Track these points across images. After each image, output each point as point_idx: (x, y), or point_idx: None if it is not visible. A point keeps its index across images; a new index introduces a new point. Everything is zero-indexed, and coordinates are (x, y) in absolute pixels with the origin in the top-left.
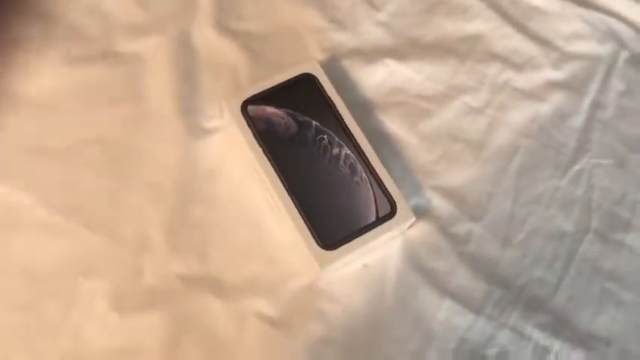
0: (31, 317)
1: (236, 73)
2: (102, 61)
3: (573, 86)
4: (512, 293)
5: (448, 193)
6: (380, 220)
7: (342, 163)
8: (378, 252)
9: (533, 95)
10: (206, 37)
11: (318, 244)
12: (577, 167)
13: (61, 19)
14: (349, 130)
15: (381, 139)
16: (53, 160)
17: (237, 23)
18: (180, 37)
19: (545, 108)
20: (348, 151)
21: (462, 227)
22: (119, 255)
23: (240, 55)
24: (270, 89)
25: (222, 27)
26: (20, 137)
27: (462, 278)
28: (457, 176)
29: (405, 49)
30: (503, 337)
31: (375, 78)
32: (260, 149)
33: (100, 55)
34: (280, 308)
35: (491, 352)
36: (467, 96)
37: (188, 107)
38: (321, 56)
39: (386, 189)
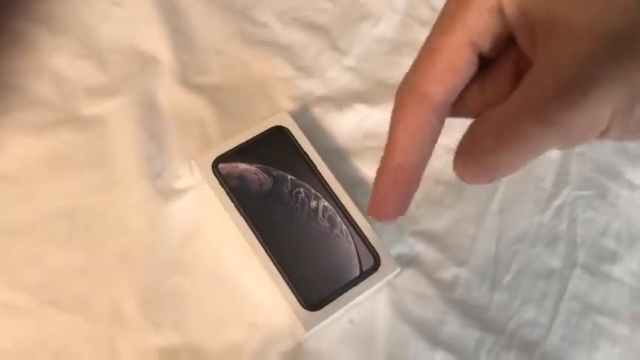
0: None
1: (204, 128)
2: (64, 128)
3: None
4: (504, 338)
5: (431, 237)
6: (364, 275)
7: (320, 216)
8: (364, 305)
9: None
10: (170, 94)
11: (302, 305)
12: (558, 201)
13: (18, 88)
14: (325, 182)
15: (359, 187)
16: (16, 235)
17: (201, 78)
18: (143, 96)
19: None
20: (326, 203)
21: (448, 272)
22: (92, 332)
23: (207, 109)
24: (241, 145)
25: (187, 82)
26: None
27: (453, 326)
28: (439, 220)
29: (376, 92)
30: None
31: (347, 124)
32: (235, 208)
33: (61, 121)
34: None
35: None
36: (441, 138)
37: (157, 168)
38: (290, 106)
39: (368, 240)
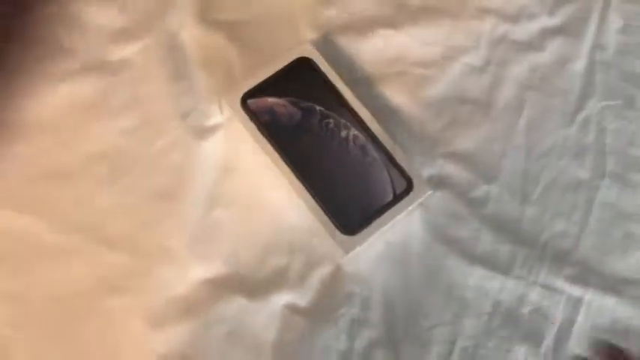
0: (67, 343)
1: (229, 65)
2: (91, 74)
3: (571, 30)
4: (537, 250)
5: (460, 158)
6: (397, 198)
7: (351, 144)
8: (399, 227)
9: (531, 45)
10: (192, 33)
11: (340, 231)
12: (585, 113)
13: (42, 37)
14: (354, 110)
15: (386, 113)
16: (61, 181)
17: (221, 14)
18: (166, 36)
19: (545, 56)
20: (356, 132)
21: (479, 190)
22: (142, 269)
23: (229, 46)
24: (267, 79)
25: (207, 20)
26: (24, 163)
27: (487, 242)
28: (467, 140)
29: (396, 16)
30: (535, 295)
31: (370, 50)
32: (267, 142)
33: (88, 67)
34: (310, 297)
35: (526, 310)
36: (466, 56)
37: (186, 108)
38: (312, 35)
39: (399, 165)
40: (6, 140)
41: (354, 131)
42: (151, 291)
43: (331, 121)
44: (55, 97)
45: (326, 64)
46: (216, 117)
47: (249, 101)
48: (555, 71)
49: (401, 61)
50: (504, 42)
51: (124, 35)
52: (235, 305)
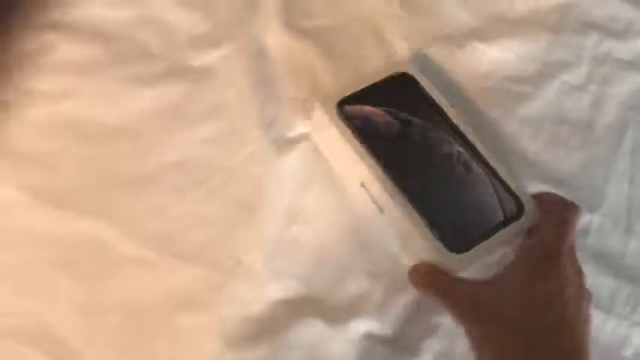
0: (138, 357)
1: (314, 74)
2: (173, 79)
3: None
4: None
5: (559, 182)
6: (506, 222)
7: (455, 161)
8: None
9: (637, 64)
10: (277, 40)
11: (448, 249)
12: None
13: (124, 38)
14: (456, 126)
15: (485, 130)
16: (137, 189)
17: (307, 21)
18: (250, 43)
19: None
20: (460, 148)
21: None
22: (216, 284)
23: (315, 54)
24: (364, 88)
25: (292, 27)
26: (100, 168)
27: (586, 275)
28: (567, 163)
29: (491, 29)
30: (639, 337)
31: (462, 64)
32: (365, 152)
33: (169, 72)
34: (393, 326)
35: (628, 353)
36: (566, 73)
37: (270, 117)
38: (401, 46)
39: (508, 186)
40: (84, 144)
41: (457, 147)
42: (225, 308)
43: (432, 135)
44: (136, 102)
45: (423, 77)
46: (300, 127)
47: (346, 107)
48: None
49: (495, 75)
50: (608, 60)
51: (207, 41)
52: (312, 329)
